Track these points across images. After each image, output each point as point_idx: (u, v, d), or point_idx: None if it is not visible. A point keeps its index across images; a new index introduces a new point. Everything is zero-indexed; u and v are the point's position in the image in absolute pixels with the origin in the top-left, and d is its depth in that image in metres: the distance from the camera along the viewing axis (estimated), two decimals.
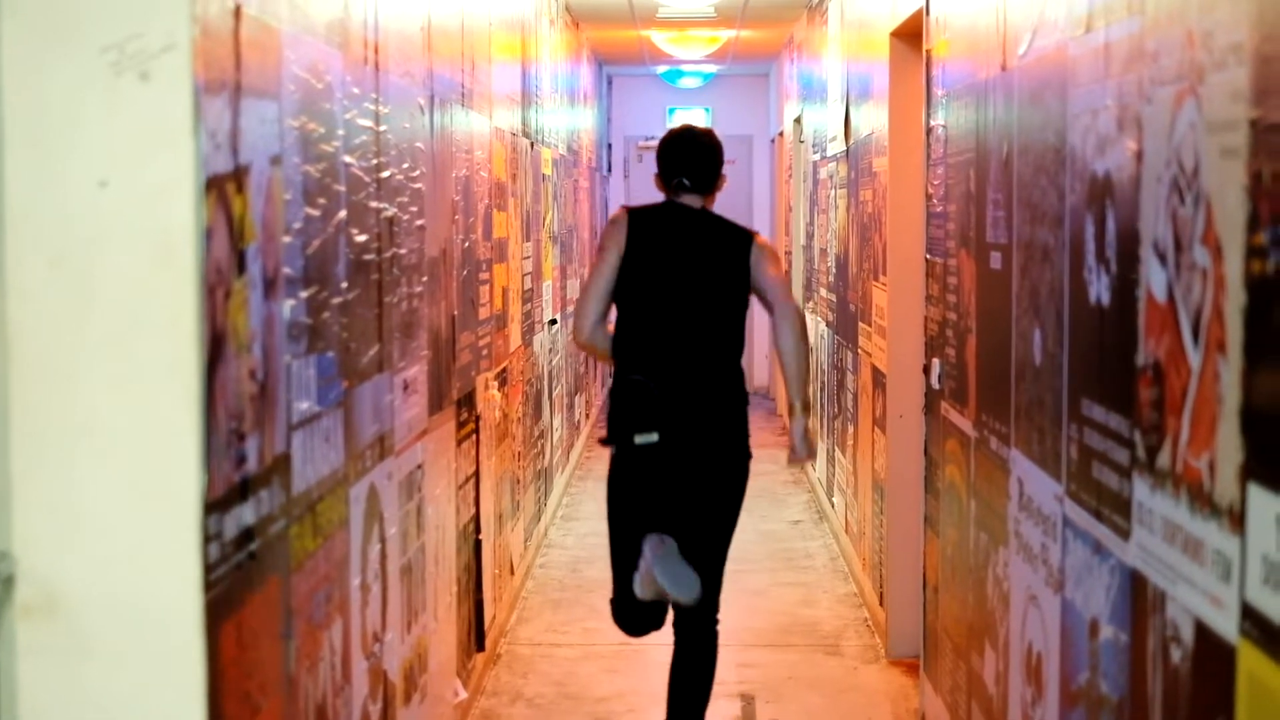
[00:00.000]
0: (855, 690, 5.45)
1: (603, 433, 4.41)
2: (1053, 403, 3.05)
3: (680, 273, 4.39)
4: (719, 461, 4.39)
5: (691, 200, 4.52)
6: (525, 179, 6.93)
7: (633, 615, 4.52)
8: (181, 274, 2.19)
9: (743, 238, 4.47)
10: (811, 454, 4.55)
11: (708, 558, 4.46)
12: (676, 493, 4.36)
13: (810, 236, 9.59)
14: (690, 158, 4.52)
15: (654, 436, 4.26)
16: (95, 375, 2.19)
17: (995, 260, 3.68)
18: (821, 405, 8.70)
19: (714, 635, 4.56)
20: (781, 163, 12.27)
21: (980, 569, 3.87)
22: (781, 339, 4.41)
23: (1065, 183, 2.97)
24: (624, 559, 4.44)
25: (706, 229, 4.47)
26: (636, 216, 4.47)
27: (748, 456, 4.44)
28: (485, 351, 5.44)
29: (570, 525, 8.27)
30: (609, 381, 4.30)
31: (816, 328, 9.10)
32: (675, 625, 4.56)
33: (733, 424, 4.39)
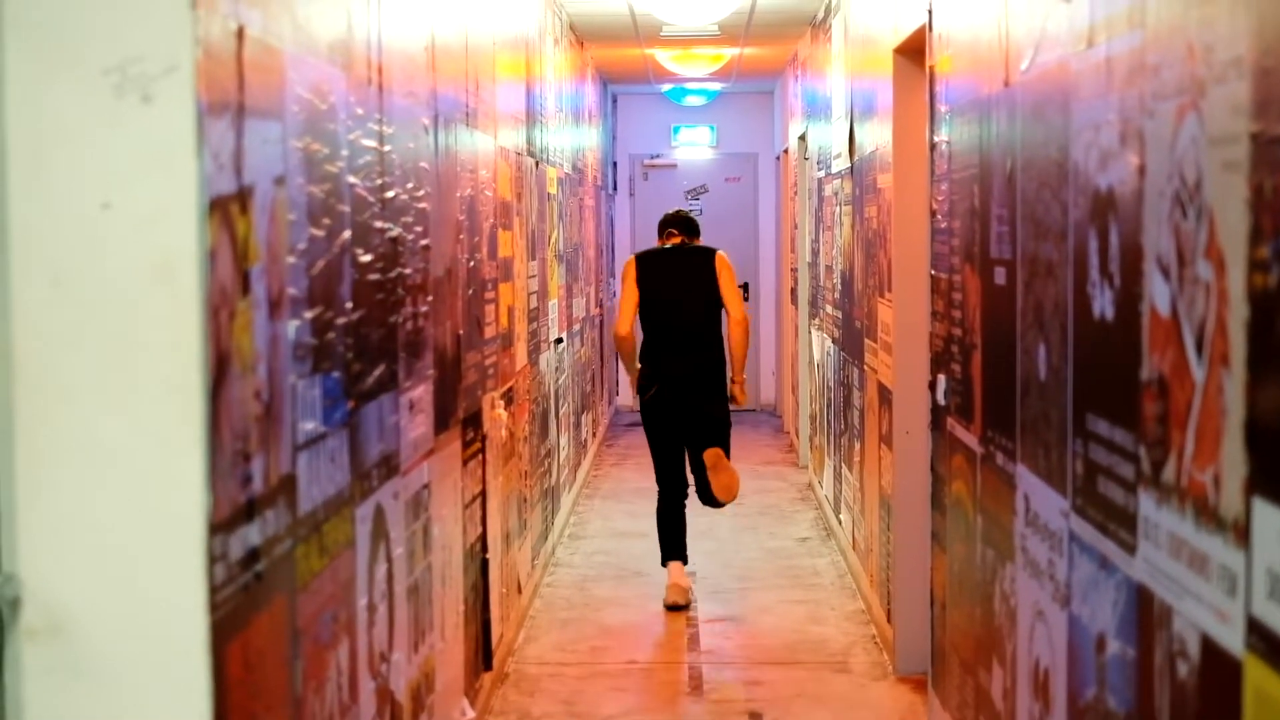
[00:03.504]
0: (864, 707, 5.44)
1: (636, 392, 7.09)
2: (1058, 418, 3.05)
3: (673, 286, 6.96)
4: (711, 393, 6.89)
5: (675, 242, 7.14)
6: (530, 198, 6.94)
7: (668, 482, 7.04)
8: (183, 295, 2.19)
9: (708, 254, 7.04)
10: (743, 399, 7.18)
11: (717, 442, 6.86)
12: (689, 418, 6.89)
13: (816, 253, 9.60)
14: (675, 220, 7.24)
15: (651, 391, 6.94)
16: (99, 396, 2.20)
17: (999, 275, 3.68)
18: (828, 422, 8.71)
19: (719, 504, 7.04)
20: (787, 180, 12.28)
21: (987, 585, 3.86)
22: (732, 337, 7.00)
23: (1068, 198, 2.97)
24: (659, 456, 7.04)
25: (685, 254, 7.07)
26: (641, 259, 7.09)
27: (727, 401, 6.97)
28: (491, 370, 5.44)
29: (578, 544, 8.27)
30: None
31: (823, 344, 9.11)
32: (692, 468, 6.99)
33: (718, 374, 6.94)
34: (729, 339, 6.97)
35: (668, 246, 7.10)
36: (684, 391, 6.85)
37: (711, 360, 6.90)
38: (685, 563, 6.99)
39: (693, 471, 6.98)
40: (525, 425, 6.67)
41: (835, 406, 8.29)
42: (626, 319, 6.99)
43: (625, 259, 7.81)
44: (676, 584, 6.86)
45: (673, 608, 6.81)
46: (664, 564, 7.02)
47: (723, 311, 6.97)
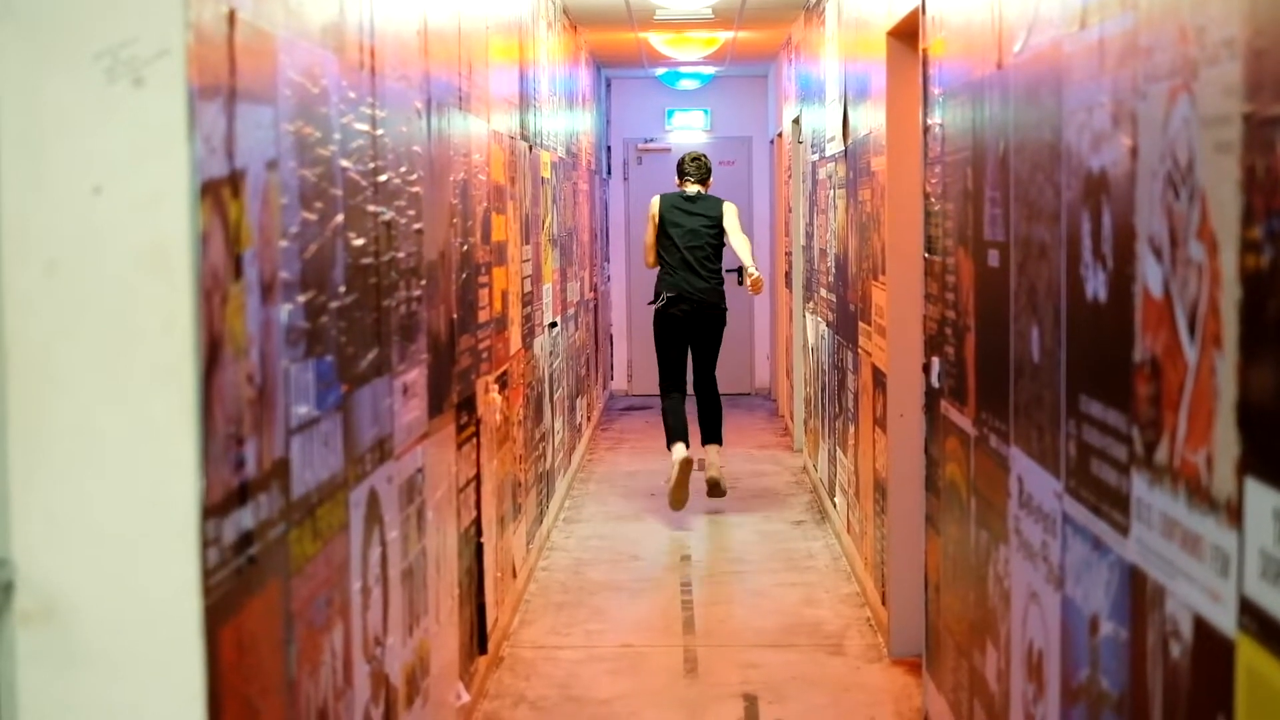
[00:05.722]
0: (858, 689, 5.45)
1: (651, 301, 8.76)
2: (1051, 400, 3.05)
3: (687, 224, 8.56)
4: (711, 315, 8.57)
5: (692, 186, 8.67)
6: (524, 182, 6.93)
7: (670, 384, 8.57)
8: (176, 279, 2.19)
9: (718, 202, 8.67)
10: (759, 283, 8.49)
11: (708, 361, 8.64)
12: (690, 332, 8.57)
13: (810, 237, 9.60)
14: (692, 164, 8.75)
15: (663, 302, 8.55)
16: (92, 382, 2.19)
17: (993, 258, 3.68)
18: (822, 405, 8.72)
19: (717, 392, 8.72)
20: (781, 163, 12.27)
21: (981, 567, 3.87)
22: (733, 248, 8.59)
23: (1061, 180, 2.97)
24: (665, 364, 8.63)
25: (700, 200, 8.65)
26: (664, 199, 8.68)
27: (725, 310, 8.65)
28: (485, 354, 5.44)
29: (572, 528, 8.28)
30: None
31: (817, 328, 9.11)
32: (695, 391, 8.65)
33: (717, 297, 8.58)
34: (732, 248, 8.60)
35: (686, 192, 8.63)
36: (690, 307, 8.48)
37: (713, 285, 8.54)
38: (688, 445, 8.32)
39: (694, 375, 8.63)
40: (519, 409, 6.67)
41: (829, 390, 8.30)
42: (650, 254, 8.70)
43: (647, 204, 9.15)
44: (685, 458, 8.23)
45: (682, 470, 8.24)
46: (669, 446, 8.43)
47: (724, 248, 8.60)
